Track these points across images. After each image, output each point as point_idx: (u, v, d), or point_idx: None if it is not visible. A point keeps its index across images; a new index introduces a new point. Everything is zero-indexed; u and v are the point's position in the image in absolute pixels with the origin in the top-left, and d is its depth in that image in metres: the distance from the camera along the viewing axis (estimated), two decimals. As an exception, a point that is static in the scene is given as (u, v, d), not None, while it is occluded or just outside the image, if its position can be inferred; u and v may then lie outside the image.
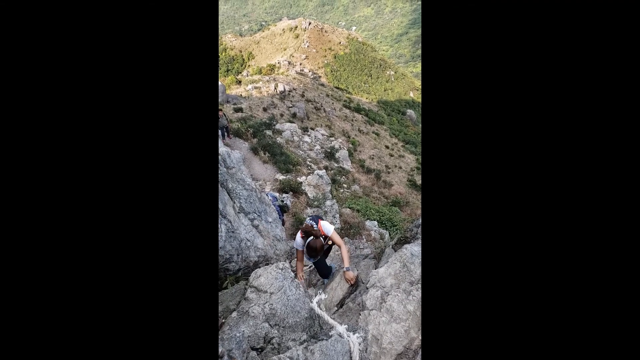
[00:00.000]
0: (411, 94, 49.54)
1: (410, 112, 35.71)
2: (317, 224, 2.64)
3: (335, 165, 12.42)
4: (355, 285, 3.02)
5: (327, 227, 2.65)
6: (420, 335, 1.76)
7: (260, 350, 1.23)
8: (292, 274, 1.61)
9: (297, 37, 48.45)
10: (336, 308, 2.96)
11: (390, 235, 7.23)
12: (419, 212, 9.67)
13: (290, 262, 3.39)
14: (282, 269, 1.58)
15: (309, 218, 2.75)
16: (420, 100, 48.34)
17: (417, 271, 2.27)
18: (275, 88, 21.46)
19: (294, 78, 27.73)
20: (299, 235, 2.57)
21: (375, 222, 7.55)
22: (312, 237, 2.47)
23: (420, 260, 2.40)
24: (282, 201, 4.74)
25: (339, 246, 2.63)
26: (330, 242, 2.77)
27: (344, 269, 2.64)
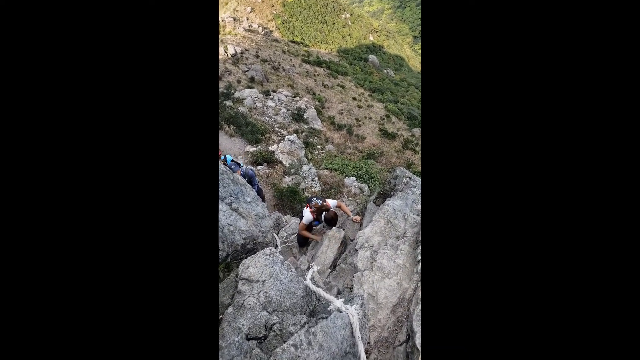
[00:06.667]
0: (370, 37, 47.53)
1: (372, 57, 34.64)
2: (324, 201, 3.33)
3: (305, 126, 12.11)
4: (343, 245, 3.20)
5: (332, 202, 3.42)
6: (411, 285, 1.88)
7: (263, 338, 1.24)
8: (281, 257, 1.59)
9: (238, -13, 43.08)
10: (329, 270, 3.10)
11: (369, 187, 7.45)
12: (394, 160, 9.92)
13: (277, 248, 3.53)
14: (269, 255, 1.55)
15: (314, 198, 3.38)
16: (380, 42, 46.73)
17: (401, 225, 2.36)
18: (225, 51, 19.59)
19: (244, 37, 25.33)
20: (308, 212, 3.25)
21: (354, 178, 7.69)
22: (325, 212, 3.17)
23: (402, 214, 2.49)
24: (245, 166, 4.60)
25: (341, 207, 3.46)
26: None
27: (351, 217, 3.37)
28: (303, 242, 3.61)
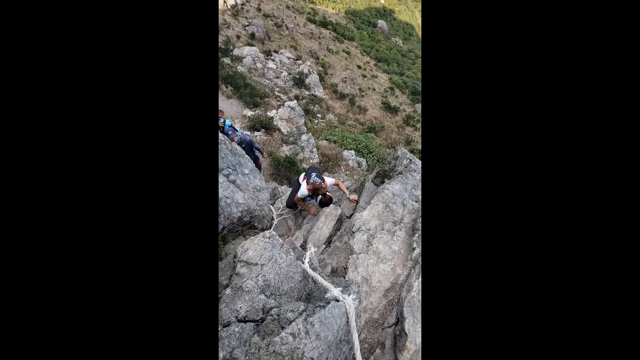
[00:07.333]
0: (382, 0, 44.24)
1: (381, 22, 32.55)
2: (323, 181, 3.32)
3: (307, 93, 11.65)
4: (339, 222, 3.25)
5: (330, 181, 3.45)
6: (404, 272, 1.92)
7: (260, 321, 1.26)
8: (280, 240, 1.58)
9: None
10: (324, 246, 3.16)
11: (367, 162, 7.39)
12: (394, 135, 9.76)
13: (275, 228, 3.56)
14: (269, 238, 1.53)
15: (314, 174, 3.30)
16: (391, 7, 43.86)
17: (399, 211, 2.35)
18: (224, 2, 18.06)
19: (246, -14, 23.22)
20: (305, 187, 3.23)
21: (353, 151, 7.59)
22: (321, 196, 3.20)
23: (401, 199, 2.47)
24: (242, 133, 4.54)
25: (338, 185, 3.54)
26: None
27: (348, 195, 3.45)
28: (292, 205, 3.65)
